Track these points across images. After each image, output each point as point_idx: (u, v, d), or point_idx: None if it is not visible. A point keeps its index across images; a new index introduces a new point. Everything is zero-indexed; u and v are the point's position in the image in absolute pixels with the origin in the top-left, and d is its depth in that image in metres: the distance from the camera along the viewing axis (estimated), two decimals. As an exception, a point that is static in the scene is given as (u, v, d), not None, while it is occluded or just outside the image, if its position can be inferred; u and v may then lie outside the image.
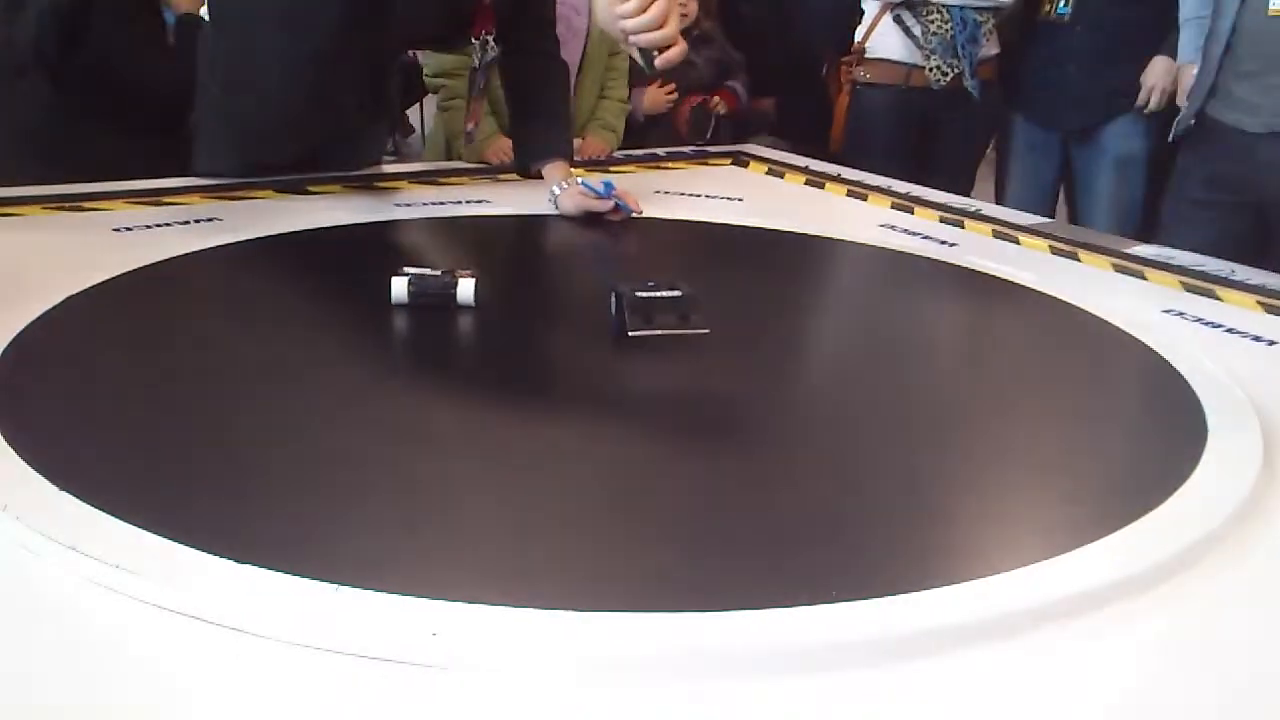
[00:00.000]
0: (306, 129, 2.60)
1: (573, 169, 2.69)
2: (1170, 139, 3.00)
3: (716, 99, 3.36)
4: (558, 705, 0.93)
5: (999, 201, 3.47)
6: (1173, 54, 3.25)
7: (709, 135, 3.43)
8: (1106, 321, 1.95)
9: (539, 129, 2.71)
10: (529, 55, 2.65)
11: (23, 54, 2.72)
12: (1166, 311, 2.04)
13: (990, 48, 3.43)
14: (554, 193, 2.55)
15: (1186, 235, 2.62)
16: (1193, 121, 2.85)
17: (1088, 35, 3.34)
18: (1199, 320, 2.00)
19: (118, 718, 0.90)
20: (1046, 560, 1.14)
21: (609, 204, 2.50)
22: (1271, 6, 2.66)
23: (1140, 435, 1.59)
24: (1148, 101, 3.30)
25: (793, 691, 0.96)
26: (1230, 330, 1.96)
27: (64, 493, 1.16)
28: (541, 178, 2.63)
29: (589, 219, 2.50)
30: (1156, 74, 3.28)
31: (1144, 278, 2.26)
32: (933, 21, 3.33)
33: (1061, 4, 3.39)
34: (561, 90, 2.80)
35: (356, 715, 0.92)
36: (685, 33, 3.43)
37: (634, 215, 2.52)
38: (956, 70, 3.35)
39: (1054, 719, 0.96)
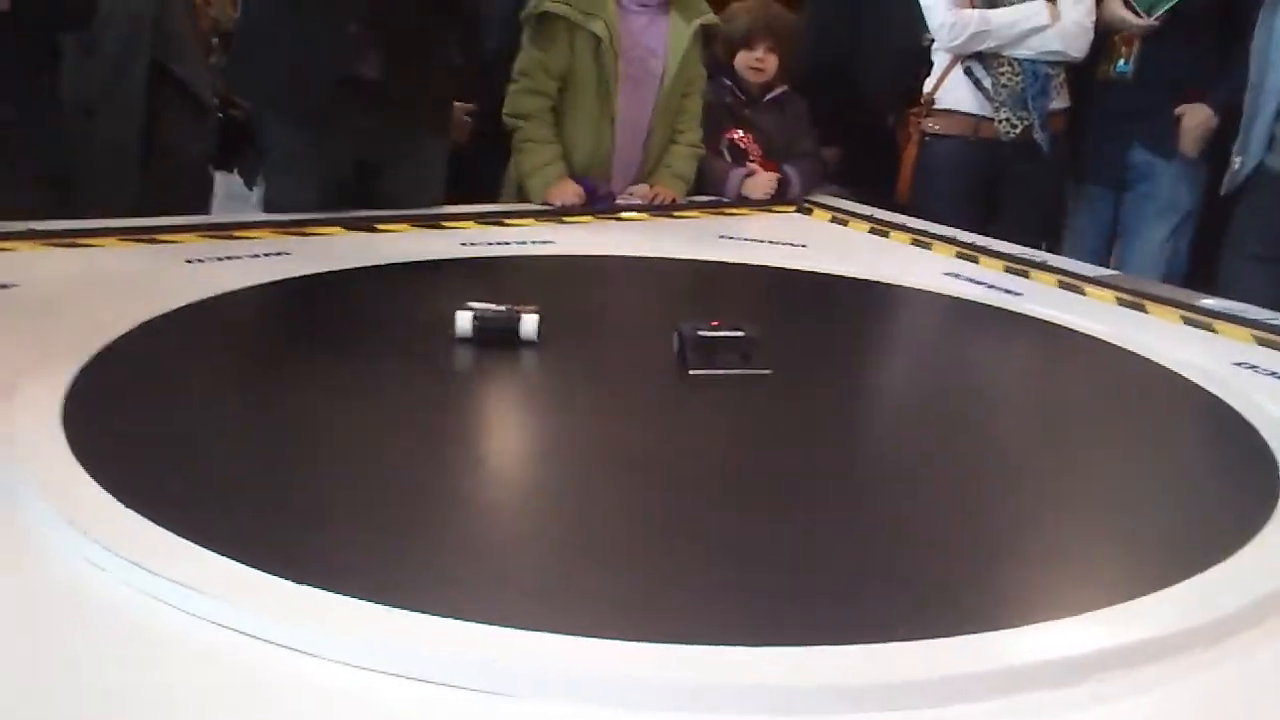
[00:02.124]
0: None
1: (641, 214, 2.79)
2: (1222, 193, 2.96)
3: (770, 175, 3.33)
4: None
5: (1055, 251, 3.43)
6: (1215, 106, 3.25)
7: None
8: (1176, 373, 1.92)
9: None
10: None
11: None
12: (1238, 364, 2.01)
13: (1060, 101, 3.41)
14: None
15: (1247, 290, 2.57)
16: (1248, 174, 2.82)
17: (1148, 92, 3.32)
18: (1272, 374, 1.97)
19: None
20: (1111, 607, 1.12)
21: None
22: None
23: (1210, 487, 1.55)
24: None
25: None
26: (1305, 384, 1.92)
27: (130, 510, 1.18)
28: None
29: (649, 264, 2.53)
30: (1196, 121, 3.25)
31: (1213, 330, 2.23)
32: (1003, 74, 3.31)
33: (1121, 63, 3.38)
34: None
35: (409, 737, 0.92)
36: (762, 94, 3.44)
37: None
38: (1026, 122, 3.32)
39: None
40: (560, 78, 3.09)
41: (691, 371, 1.74)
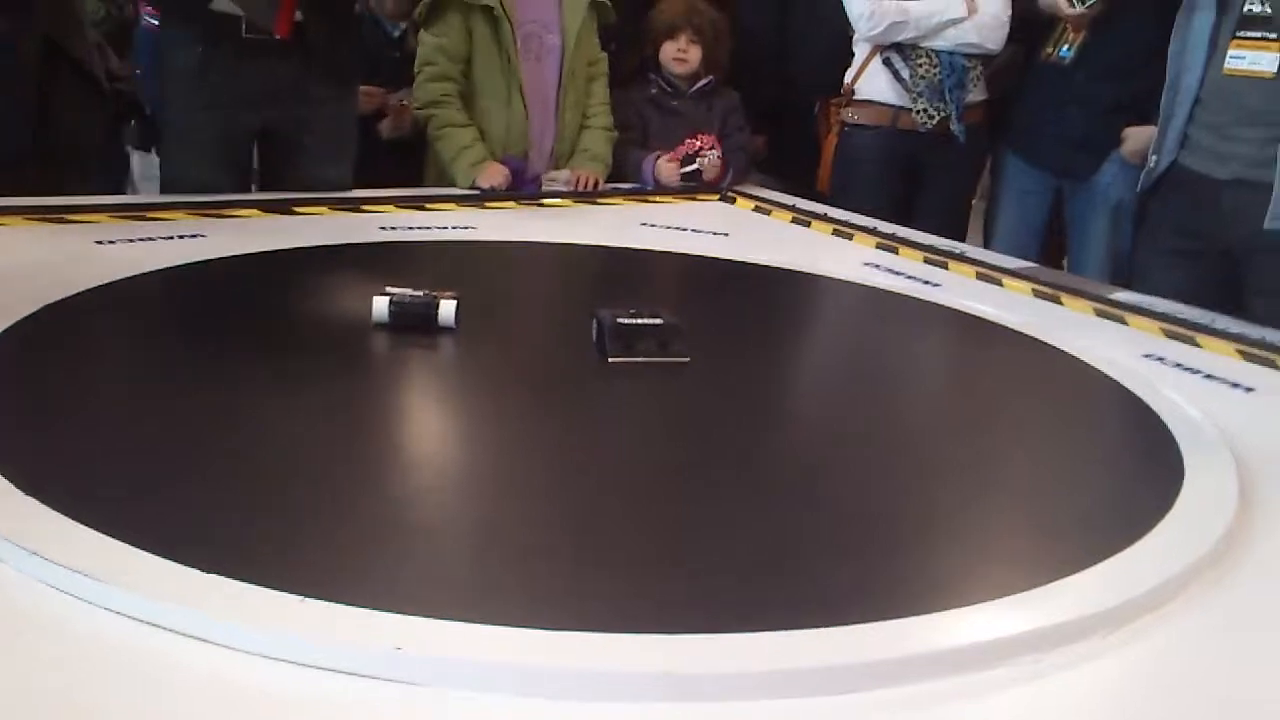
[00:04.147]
0: None
1: (564, 200, 2.85)
2: (1138, 190, 3.02)
3: (718, 162, 3.34)
4: (521, 723, 0.93)
5: (988, 245, 3.47)
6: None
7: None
8: (1087, 364, 1.95)
9: None
10: None
11: None
12: (1147, 356, 2.05)
13: (978, 93, 3.45)
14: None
15: (1159, 284, 2.64)
16: (1162, 172, 2.88)
17: (1089, 80, 3.34)
18: (1178, 365, 2.01)
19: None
20: (1022, 593, 1.14)
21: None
22: (1226, 66, 2.75)
23: (1118, 475, 1.58)
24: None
25: (761, 714, 0.95)
26: (1209, 376, 1.96)
27: (29, 498, 1.15)
28: None
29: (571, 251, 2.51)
30: (1139, 146, 3.29)
31: (1125, 323, 2.27)
32: (921, 65, 3.34)
33: (1065, 48, 3.40)
34: None
35: (317, 728, 0.90)
36: (689, 86, 3.44)
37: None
38: (943, 114, 3.36)
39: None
40: (462, 60, 3.12)
41: (610, 359, 1.73)
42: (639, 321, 1.78)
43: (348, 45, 2.91)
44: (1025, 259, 2.93)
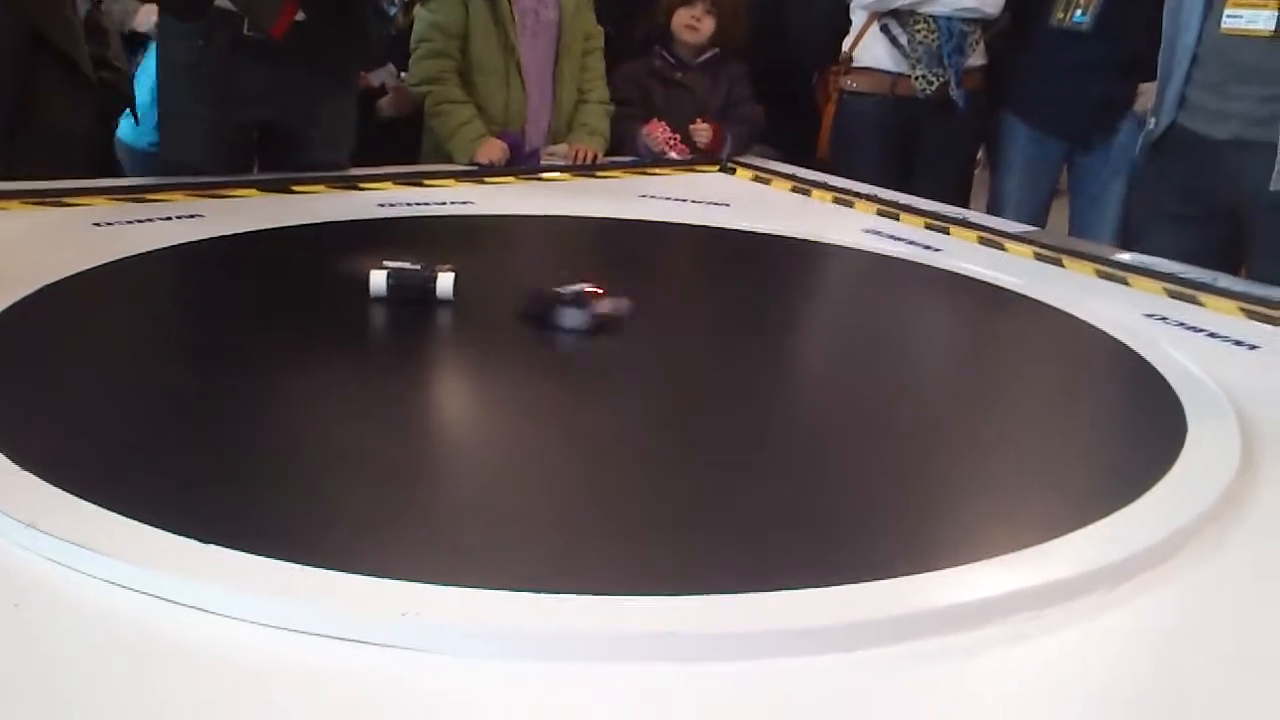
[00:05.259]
0: None
1: (563, 174, 2.86)
2: (1137, 152, 3.00)
3: (706, 126, 3.32)
4: (525, 685, 0.92)
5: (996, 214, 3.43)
6: None
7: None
8: (1090, 325, 1.95)
9: None
10: None
11: None
12: (1149, 316, 2.04)
13: (976, 58, 3.42)
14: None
15: (1161, 248, 2.62)
16: (1161, 134, 2.85)
17: (1104, 42, 3.30)
18: (1181, 325, 2.00)
19: (79, 694, 0.88)
20: (1025, 549, 1.14)
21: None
22: (1223, 25, 2.71)
23: (1121, 433, 1.58)
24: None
25: (761, 673, 0.95)
26: (1212, 335, 1.96)
27: (25, 471, 1.15)
28: None
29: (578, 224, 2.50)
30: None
31: (1127, 283, 2.26)
32: (919, 31, 3.32)
33: (1078, 13, 3.35)
34: None
35: (324, 696, 0.90)
36: (694, 57, 3.42)
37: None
38: (942, 80, 3.33)
39: (1027, 705, 0.95)
40: (459, 37, 3.10)
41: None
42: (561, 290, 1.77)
43: (352, 45, 2.88)
44: (1038, 225, 2.91)
